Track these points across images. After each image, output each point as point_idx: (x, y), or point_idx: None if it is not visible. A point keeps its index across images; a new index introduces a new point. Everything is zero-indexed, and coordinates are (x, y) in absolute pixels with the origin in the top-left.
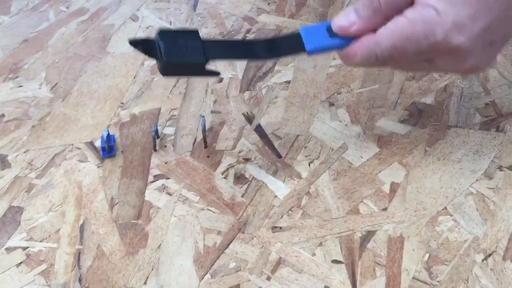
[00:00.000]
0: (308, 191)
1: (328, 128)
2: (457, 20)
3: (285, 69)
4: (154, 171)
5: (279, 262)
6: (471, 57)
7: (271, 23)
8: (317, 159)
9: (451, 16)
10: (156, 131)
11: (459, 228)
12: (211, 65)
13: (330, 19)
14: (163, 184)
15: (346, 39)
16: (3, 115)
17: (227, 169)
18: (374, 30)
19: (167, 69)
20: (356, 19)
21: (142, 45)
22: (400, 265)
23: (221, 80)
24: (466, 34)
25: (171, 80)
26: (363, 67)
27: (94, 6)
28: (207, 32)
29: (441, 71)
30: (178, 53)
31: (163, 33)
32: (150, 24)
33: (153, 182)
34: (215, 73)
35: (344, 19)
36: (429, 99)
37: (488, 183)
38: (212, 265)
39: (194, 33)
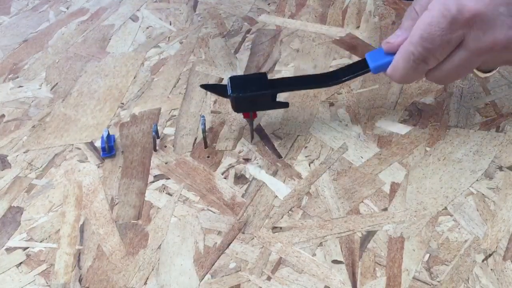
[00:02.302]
0: (308, 191)
1: (328, 128)
2: None
3: (285, 69)
4: (154, 171)
5: (279, 262)
6: (498, 26)
7: (271, 23)
8: (317, 159)
9: None
10: (156, 131)
11: (459, 228)
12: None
13: (330, 19)
14: (163, 184)
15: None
16: (3, 115)
17: (227, 169)
18: None
19: (237, 104)
20: (400, 32)
21: (214, 89)
22: (401, 265)
23: (221, 80)
24: None
25: (171, 80)
26: (413, 78)
27: (94, 6)
28: (207, 32)
29: (484, 56)
30: (246, 89)
31: (233, 78)
32: (150, 25)
33: (153, 182)
34: (285, 104)
35: (392, 36)
36: (429, 99)
37: (488, 183)
38: (212, 265)
39: (262, 74)
